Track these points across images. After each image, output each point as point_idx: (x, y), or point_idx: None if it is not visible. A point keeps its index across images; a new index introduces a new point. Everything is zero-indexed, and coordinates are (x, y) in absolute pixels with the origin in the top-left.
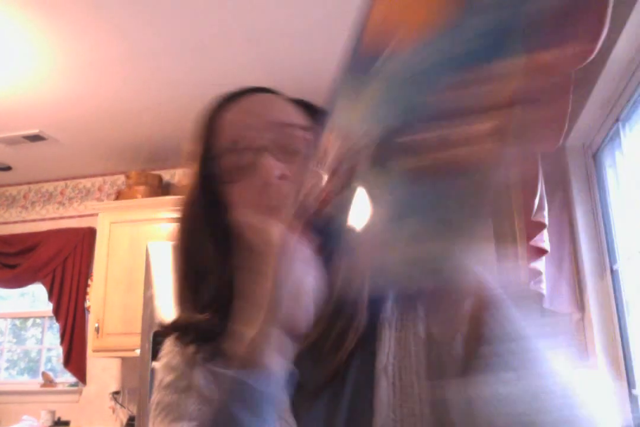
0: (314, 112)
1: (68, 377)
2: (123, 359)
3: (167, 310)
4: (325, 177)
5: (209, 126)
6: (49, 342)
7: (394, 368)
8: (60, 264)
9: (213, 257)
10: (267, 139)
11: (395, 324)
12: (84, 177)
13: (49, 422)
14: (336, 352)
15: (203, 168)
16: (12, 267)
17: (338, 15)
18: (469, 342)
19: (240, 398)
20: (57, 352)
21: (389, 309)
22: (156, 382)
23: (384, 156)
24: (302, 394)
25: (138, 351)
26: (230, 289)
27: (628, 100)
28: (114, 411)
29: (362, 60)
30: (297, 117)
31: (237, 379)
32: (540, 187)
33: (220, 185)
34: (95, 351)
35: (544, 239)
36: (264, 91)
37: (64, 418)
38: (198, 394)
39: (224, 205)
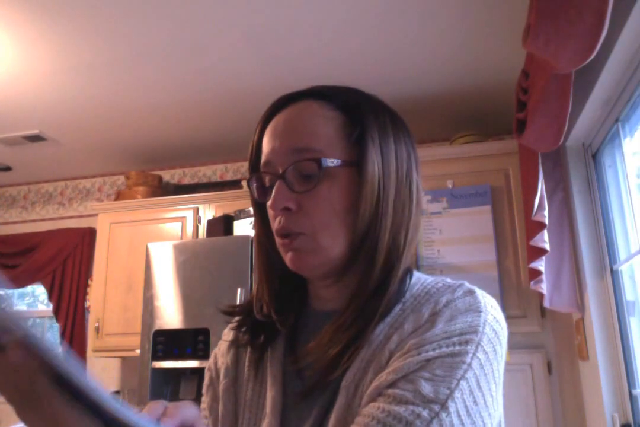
0: (352, 105)
1: None
2: (123, 359)
3: (167, 310)
4: None
5: (257, 138)
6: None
7: (352, 388)
8: (60, 265)
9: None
10: (285, 165)
11: (375, 344)
12: (84, 177)
13: None
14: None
15: (249, 181)
16: (12, 267)
17: (338, 15)
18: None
19: None
20: None
21: (379, 329)
22: None
23: None
24: (299, 393)
25: (138, 351)
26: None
27: (628, 101)
28: None
29: None
30: (319, 135)
31: None
32: (541, 187)
33: (258, 199)
34: (95, 351)
35: (544, 239)
36: (309, 96)
37: None
38: (213, 391)
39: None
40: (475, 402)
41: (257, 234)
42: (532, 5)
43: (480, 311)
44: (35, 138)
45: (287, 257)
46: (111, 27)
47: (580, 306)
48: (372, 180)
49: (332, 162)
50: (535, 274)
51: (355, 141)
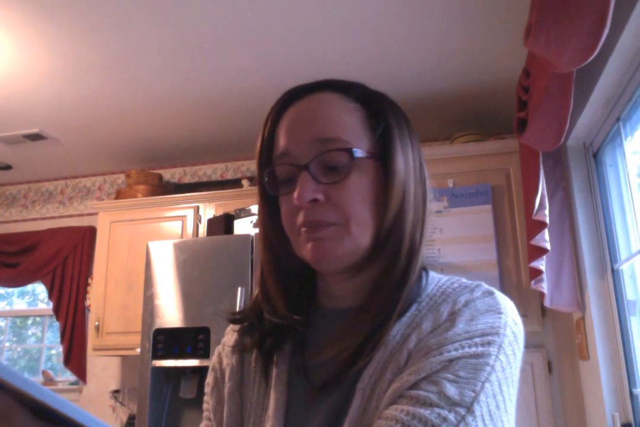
0: (370, 98)
1: (68, 376)
2: (123, 357)
3: (167, 309)
4: None
5: (269, 129)
6: (49, 340)
7: (368, 390)
8: (60, 263)
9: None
10: (309, 156)
11: (392, 345)
12: (84, 176)
13: None
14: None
15: (260, 174)
16: (13, 266)
17: (338, 16)
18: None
19: None
20: (58, 350)
21: (395, 329)
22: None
23: None
24: (306, 394)
25: (138, 350)
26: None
27: (629, 100)
28: (114, 410)
29: None
30: (345, 126)
31: None
32: (541, 186)
33: (274, 193)
34: (95, 349)
35: (545, 238)
36: (325, 87)
37: None
38: (217, 392)
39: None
40: (497, 406)
41: (265, 231)
42: (534, 4)
43: (501, 313)
44: (35, 137)
45: (308, 248)
46: (111, 25)
47: (581, 305)
48: (399, 173)
49: (362, 153)
50: (536, 273)
51: (379, 134)
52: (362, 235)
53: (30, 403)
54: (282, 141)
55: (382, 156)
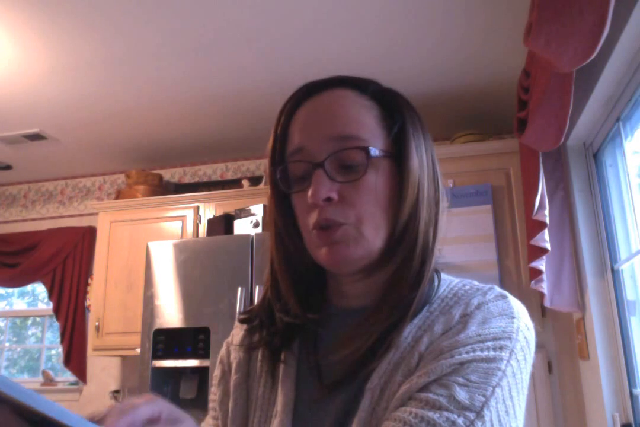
0: (386, 97)
1: (68, 376)
2: (123, 358)
3: (167, 309)
4: None
5: (283, 125)
6: (49, 341)
7: (378, 391)
8: (60, 263)
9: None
10: (325, 153)
11: (403, 346)
12: (84, 176)
13: None
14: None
15: (273, 171)
16: (13, 266)
17: (339, 15)
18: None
19: None
20: (58, 351)
21: (407, 331)
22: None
23: None
24: (314, 393)
25: (138, 350)
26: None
27: (629, 100)
28: None
29: None
30: (362, 124)
31: None
32: (541, 186)
33: (287, 190)
34: (95, 349)
35: (545, 238)
36: (341, 84)
37: None
38: (224, 385)
39: (292, 209)
40: (506, 412)
41: (276, 229)
42: (534, 4)
43: (514, 317)
44: (35, 137)
45: (322, 252)
46: (110, 25)
47: (581, 305)
48: (414, 173)
49: (378, 152)
50: (536, 273)
51: (394, 134)
52: (375, 237)
53: (29, 415)
54: (296, 137)
55: (397, 156)
